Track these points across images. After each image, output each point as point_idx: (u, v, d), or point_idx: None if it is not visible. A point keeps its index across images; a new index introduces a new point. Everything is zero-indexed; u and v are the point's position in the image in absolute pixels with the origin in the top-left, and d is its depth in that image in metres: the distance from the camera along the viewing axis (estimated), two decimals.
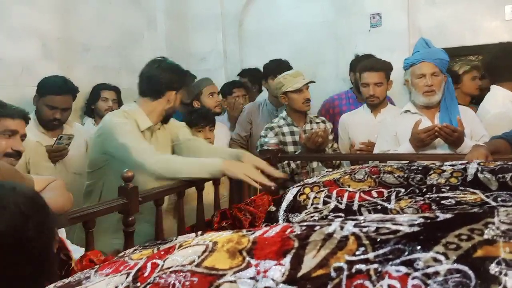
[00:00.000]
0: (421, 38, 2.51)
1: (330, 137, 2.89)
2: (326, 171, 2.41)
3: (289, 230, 0.78)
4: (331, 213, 1.48)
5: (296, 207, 1.58)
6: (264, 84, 3.44)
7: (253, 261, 0.80)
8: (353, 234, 0.72)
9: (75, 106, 3.03)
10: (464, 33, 3.69)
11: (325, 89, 3.80)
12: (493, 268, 0.68)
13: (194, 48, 4.46)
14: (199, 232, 1.05)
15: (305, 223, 0.80)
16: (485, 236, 0.74)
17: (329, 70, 4.00)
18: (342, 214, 1.44)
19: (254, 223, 1.99)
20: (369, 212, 1.42)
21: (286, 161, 2.69)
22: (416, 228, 0.71)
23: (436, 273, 0.69)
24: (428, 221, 0.73)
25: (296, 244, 0.80)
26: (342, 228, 0.74)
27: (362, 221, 0.77)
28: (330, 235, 0.74)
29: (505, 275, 0.67)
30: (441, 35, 3.69)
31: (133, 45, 3.90)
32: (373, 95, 2.77)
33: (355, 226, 0.75)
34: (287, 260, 0.78)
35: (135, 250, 1.12)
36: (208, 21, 4.40)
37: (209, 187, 2.11)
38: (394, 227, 0.72)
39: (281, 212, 1.57)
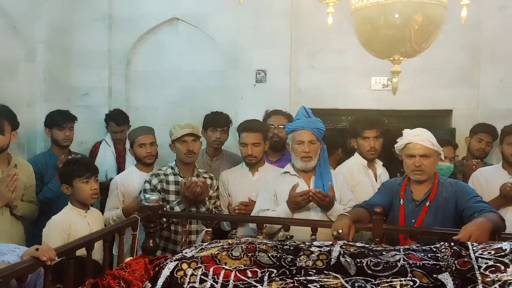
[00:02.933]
0: (302, 107, 2.67)
1: (214, 194, 2.93)
2: (205, 237, 2.45)
3: None
4: None
5: (172, 284, 1.57)
6: (203, 134, 3.30)
7: None
8: None
9: None
10: (337, 97, 4.09)
11: None
12: None
13: (77, 83, 4.26)
14: None
15: None
16: None
17: None
18: None
19: None
20: None
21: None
22: None
23: None
24: None
25: None
26: None
27: None
28: None
29: None
30: (317, 97, 4.06)
31: (7, 76, 3.61)
32: (251, 155, 2.88)
33: None
34: None
35: None
36: (94, 57, 4.25)
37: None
38: None
39: None
